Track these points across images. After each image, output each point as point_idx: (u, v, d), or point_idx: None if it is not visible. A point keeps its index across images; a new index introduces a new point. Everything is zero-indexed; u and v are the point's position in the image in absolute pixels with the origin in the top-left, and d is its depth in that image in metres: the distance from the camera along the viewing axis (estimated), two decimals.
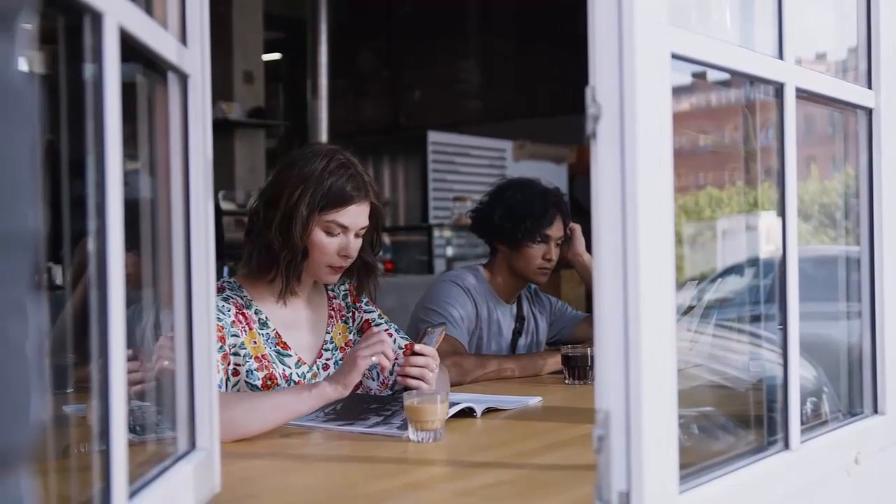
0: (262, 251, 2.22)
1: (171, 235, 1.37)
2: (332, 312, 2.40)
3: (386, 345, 2.01)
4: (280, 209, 2.19)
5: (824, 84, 1.72)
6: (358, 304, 2.44)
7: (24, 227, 0.58)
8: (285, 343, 2.26)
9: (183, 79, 1.36)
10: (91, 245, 1.02)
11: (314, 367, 2.30)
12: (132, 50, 1.14)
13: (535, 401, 2.37)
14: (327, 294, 2.42)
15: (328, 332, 2.37)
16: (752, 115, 1.73)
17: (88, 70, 1.03)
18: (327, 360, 2.34)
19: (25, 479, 0.59)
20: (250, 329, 2.21)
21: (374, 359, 1.98)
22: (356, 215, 2.23)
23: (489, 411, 2.20)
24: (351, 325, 2.42)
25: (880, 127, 1.83)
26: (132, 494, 1.10)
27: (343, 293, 2.44)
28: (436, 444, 1.87)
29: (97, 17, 1.01)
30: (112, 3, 1.03)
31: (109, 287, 1.02)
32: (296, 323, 2.31)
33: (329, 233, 2.21)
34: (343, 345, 2.38)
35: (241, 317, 2.19)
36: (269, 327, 2.25)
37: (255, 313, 2.24)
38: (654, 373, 1.18)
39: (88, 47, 1.02)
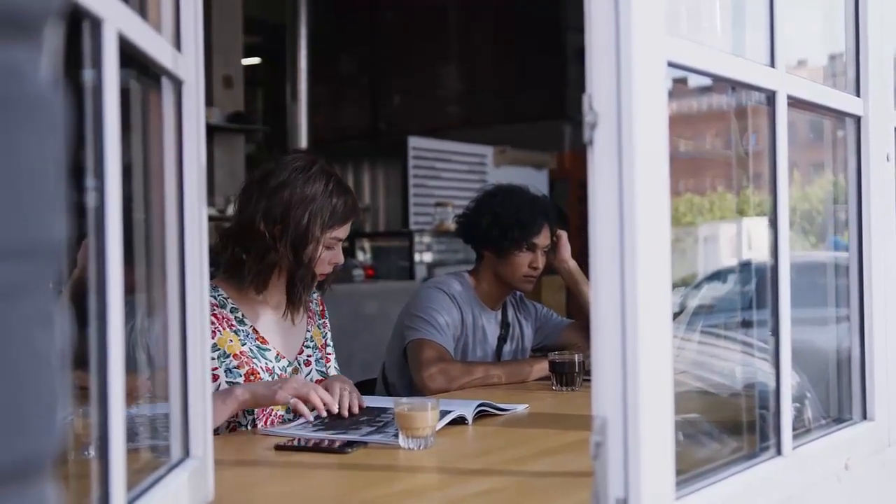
0: (269, 269, 2.29)
1: (164, 241, 1.36)
2: (311, 314, 2.49)
3: (313, 396, 2.10)
4: (290, 230, 2.25)
5: (814, 92, 1.73)
6: (323, 319, 2.55)
7: (51, 235, 0.58)
8: (263, 338, 2.32)
9: (177, 84, 1.35)
10: (91, 251, 1.02)
11: (295, 363, 2.38)
12: (127, 55, 1.13)
13: (522, 408, 2.37)
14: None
15: (308, 331, 2.46)
16: (734, 121, 1.74)
17: (87, 75, 1.03)
18: (308, 356, 2.43)
19: (51, 489, 0.59)
20: (224, 329, 2.26)
21: (292, 401, 2.08)
22: (349, 227, 2.37)
23: (481, 415, 2.21)
24: (323, 330, 2.53)
25: (868, 134, 1.84)
26: (129, 503, 1.09)
27: (315, 301, 2.54)
28: (426, 452, 1.86)
29: (97, 23, 1.00)
30: (111, 9, 1.02)
31: (108, 294, 1.01)
32: (276, 322, 2.37)
33: (328, 247, 2.32)
34: (320, 345, 2.48)
35: (213, 318, 2.23)
36: (246, 325, 2.31)
37: (231, 311, 2.30)
38: (651, 379, 1.18)
39: (87, 53, 1.01)
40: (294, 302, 2.33)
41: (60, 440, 0.59)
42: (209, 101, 7.49)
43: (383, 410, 2.20)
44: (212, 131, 7.54)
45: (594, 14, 1.19)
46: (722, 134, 1.92)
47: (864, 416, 1.84)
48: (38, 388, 0.56)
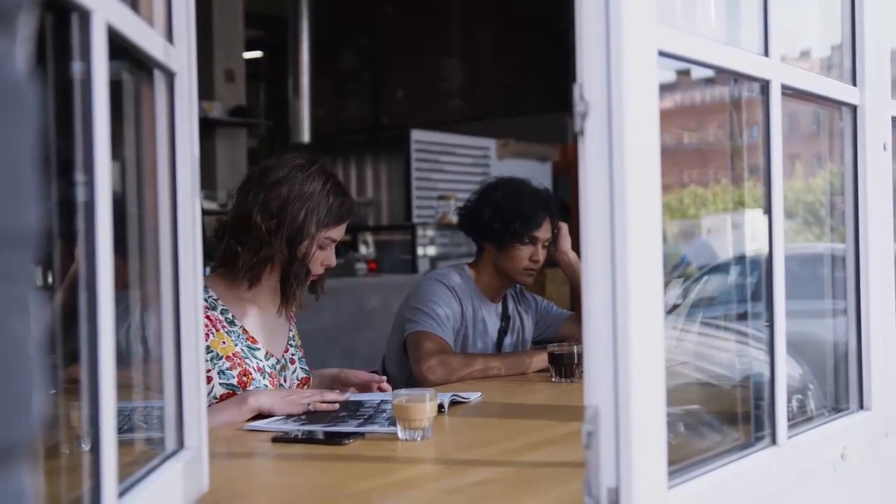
0: (263, 263, 2.30)
1: (157, 235, 1.37)
2: (292, 314, 2.52)
3: (328, 395, 2.22)
4: (285, 225, 2.28)
5: (809, 81, 1.72)
6: (294, 320, 2.58)
7: (26, 224, 0.58)
8: (253, 338, 2.35)
9: (170, 77, 1.36)
10: (79, 245, 1.02)
11: (282, 360, 2.42)
12: (118, 47, 1.13)
13: (475, 396, 2.41)
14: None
15: (291, 330, 2.50)
16: (737, 112, 1.74)
17: (76, 68, 1.03)
18: (292, 354, 2.47)
19: (28, 475, 0.59)
20: (217, 330, 2.28)
21: (311, 407, 2.15)
22: (344, 230, 2.40)
23: (453, 404, 2.25)
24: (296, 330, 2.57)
25: (864, 123, 1.84)
26: (121, 494, 1.09)
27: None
28: (424, 443, 1.87)
29: (85, 15, 1.00)
30: (100, 0, 1.02)
31: (98, 287, 1.01)
32: (262, 322, 2.40)
33: (321, 247, 2.35)
34: (299, 345, 2.52)
35: (205, 319, 2.26)
36: (236, 325, 2.33)
37: (221, 313, 2.32)
38: (642, 369, 1.19)
39: (76, 45, 1.01)
40: (287, 297, 2.36)
41: (37, 427, 0.60)
42: (210, 96, 7.49)
43: (360, 404, 2.21)
44: (214, 125, 7.54)
45: (584, 3, 1.19)
46: (725, 126, 1.92)
47: (861, 406, 1.84)
48: (13, 375, 0.57)
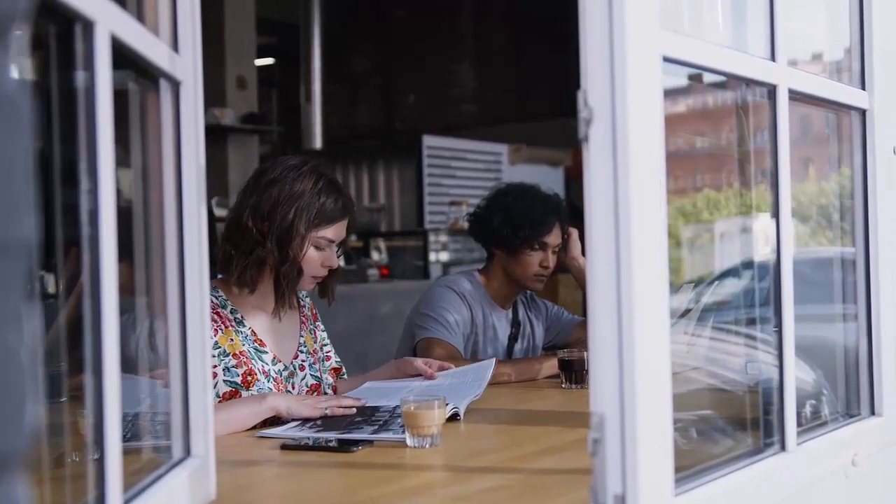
0: (255, 265, 2.30)
1: (164, 243, 1.37)
2: (304, 319, 2.51)
3: (345, 401, 2.23)
4: (275, 226, 2.27)
5: (817, 85, 1.71)
6: (317, 323, 2.57)
7: (20, 234, 0.58)
8: (262, 341, 2.35)
9: (175, 86, 1.36)
10: (84, 253, 1.02)
11: (291, 367, 2.40)
12: (123, 56, 1.13)
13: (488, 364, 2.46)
14: (298, 302, 2.50)
15: (301, 336, 2.48)
16: (749, 116, 1.73)
17: (80, 77, 1.03)
18: (303, 361, 2.45)
19: (22, 486, 0.59)
20: (226, 328, 2.29)
21: (328, 411, 2.16)
22: (342, 229, 2.37)
23: (472, 410, 2.24)
24: (314, 334, 2.54)
25: (874, 128, 1.82)
26: (127, 502, 1.10)
27: (307, 306, 2.57)
28: (433, 450, 1.86)
29: (88, 25, 1.01)
30: (103, 10, 1.03)
31: (103, 295, 1.02)
32: (271, 327, 2.40)
33: (317, 247, 2.33)
34: (312, 351, 2.50)
35: (215, 316, 2.27)
36: (245, 326, 2.33)
37: (231, 312, 2.33)
38: (648, 376, 1.18)
39: (80, 54, 1.02)
40: (279, 299, 2.35)
41: (31, 438, 0.60)
42: (222, 103, 7.49)
43: (377, 409, 2.21)
44: (226, 132, 7.54)
45: (587, 9, 1.18)
46: (738, 130, 1.91)
47: (873, 412, 1.83)
48: (6, 386, 0.57)
